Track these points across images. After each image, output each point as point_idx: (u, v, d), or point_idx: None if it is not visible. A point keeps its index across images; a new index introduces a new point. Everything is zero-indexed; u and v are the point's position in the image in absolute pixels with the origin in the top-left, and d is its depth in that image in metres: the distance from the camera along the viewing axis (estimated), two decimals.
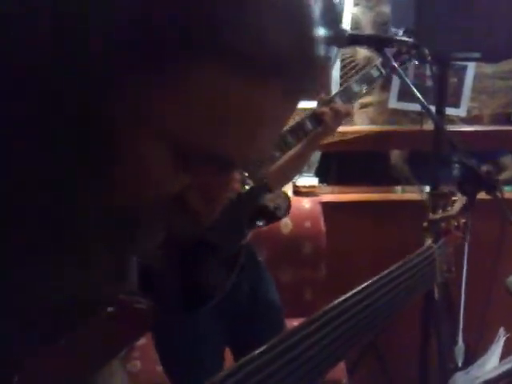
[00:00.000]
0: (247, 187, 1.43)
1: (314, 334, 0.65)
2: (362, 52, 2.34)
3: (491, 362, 0.95)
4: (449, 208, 0.97)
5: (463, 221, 0.99)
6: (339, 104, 1.47)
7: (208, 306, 1.47)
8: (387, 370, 2.33)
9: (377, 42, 1.39)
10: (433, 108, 2.13)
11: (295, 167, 1.65)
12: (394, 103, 2.39)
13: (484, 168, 1.27)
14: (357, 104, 2.40)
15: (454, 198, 0.99)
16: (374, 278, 0.73)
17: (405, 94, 2.37)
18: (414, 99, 2.28)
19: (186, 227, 0.49)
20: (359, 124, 2.41)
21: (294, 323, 2.04)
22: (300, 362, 0.63)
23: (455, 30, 1.93)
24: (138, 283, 1.42)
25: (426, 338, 2.19)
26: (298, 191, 2.30)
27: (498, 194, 1.25)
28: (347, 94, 1.50)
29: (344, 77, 2.32)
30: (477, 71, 2.42)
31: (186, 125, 0.41)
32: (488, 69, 2.45)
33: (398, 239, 2.29)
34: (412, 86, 1.37)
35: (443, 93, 2.06)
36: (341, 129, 2.37)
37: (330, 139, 2.37)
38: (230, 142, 0.43)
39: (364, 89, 1.49)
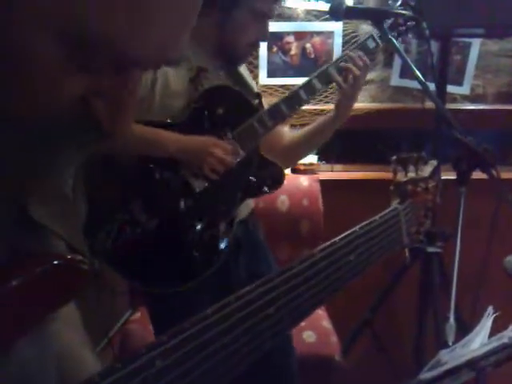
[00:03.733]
0: (239, 158, 1.41)
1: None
2: (365, 27, 2.30)
3: (477, 341, 0.94)
4: (418, 171, 0.96)
5: (433, 184, 0.98)
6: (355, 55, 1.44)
7: (199, 279, 1.46)
8: (383, 348, 2.33)
9: (374, 15, 1.36)
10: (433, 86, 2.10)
11: (320, 139, 1.62)
12: (396, 80, 2.35)
13: (481, 146, 1.25)
14: None
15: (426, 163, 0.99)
16: (337, 238, 0.73)
17: (407, 71, 2.33)
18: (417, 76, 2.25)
19: (96, 139, 0.46)
20: (360, 102, 2.37)
21: None
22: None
23: (457, 4, 1.89)
24: (128, 256, 1.41)
25: (422, 317, 2.20)
26: (296, 169, 2.28)
27: (494, 173, 1.23)
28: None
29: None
30: (481, 49, 2.38)
31: (69, 9, 0.38)
32: (493, 46, 2.40)
33: None
34: (409, 62, 1.35)
35: (445, 70, 2.03)
36: None
37: None
38: (120, 25, 0.39)
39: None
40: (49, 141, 0.45)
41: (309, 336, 1.92)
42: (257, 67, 2.23)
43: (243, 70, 1.61)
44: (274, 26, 2.21)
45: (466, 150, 1.24)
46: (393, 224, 0.84)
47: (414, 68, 1.34)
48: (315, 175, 2.27)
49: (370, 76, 2.35)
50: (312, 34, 2.23)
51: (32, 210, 0.49)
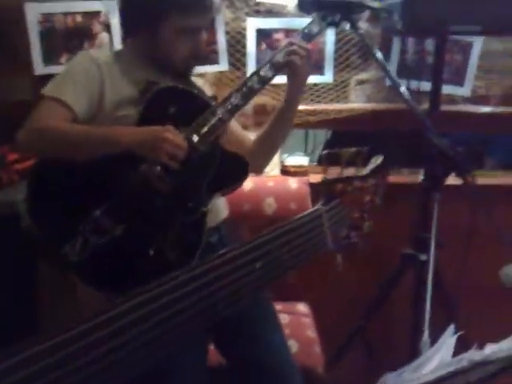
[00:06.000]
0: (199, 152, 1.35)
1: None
2: (360, 23, 2.20)
3: (431, 364, 0.85)
4: (359, 168, 0.87)
5: (372, 182, 0.88)
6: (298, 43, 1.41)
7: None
8: (375, 357, 2.24)
9: (344, 8, 1.28)
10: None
11: (278, 134, 1.57)
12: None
13: (455, 149, 1.16)
14: (353, 81, 2.28)
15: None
16: (239, 244, 0.65)
17: (404, 71, 2.23)
18: (414, 76, 2.16)
19: None
20: (355, 102, 2.29)
21: (278, 307, 1.97)
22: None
23: (453, 1, 1.79)
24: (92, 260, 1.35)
25: (416, 326, 2.09)
26: (286, 170, 2.20)
27: (469, 179, 1.14)
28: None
29: (339, 51, 2.20)
30: (485, 48, 2.26)
31: None
32: (498, 45, 2.29)
33: (388, 223, 2.18)
34: (381, 57, 1.26)
35: (440, 69, 1.92)
36: (335, 106, 2.28)
37: (324, 117, 2.28)
38: None
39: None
40: None
41: (291, 345, 1.83)
42: (245, 65, 2.16)
43: (197, 80, 1.59)
44: (262, 23, 2.14)
45: (439, 153, 1.15)
46: (313, 227, 0.76)
47: (386, 64, 1.26)
48: (305, 177, 2.18)
49: (365, 75, 2.27)
50: None
51: None
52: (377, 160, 0.87)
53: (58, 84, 1.42)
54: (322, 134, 3.13)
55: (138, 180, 1.33)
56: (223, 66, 2.12)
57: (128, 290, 1.36)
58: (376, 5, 1.29)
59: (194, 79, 1.57)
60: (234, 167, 1.43)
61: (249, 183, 2.06)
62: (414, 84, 2.10)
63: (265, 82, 1.42)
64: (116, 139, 1.30)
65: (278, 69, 1.43)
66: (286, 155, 2.25)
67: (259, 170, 1.74)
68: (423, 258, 2.01)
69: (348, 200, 0.84)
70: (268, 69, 1.41)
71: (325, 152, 0.84)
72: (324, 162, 0.84)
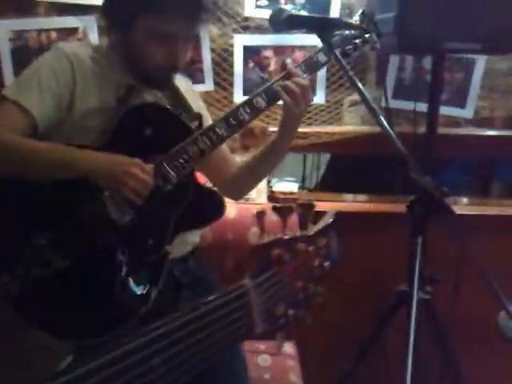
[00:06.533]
0: (171, 184, 1.22)
1: None
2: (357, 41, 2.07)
3: None
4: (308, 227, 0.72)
5: (323, 243, 0.72)
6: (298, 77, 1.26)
7: (122, 327, 1.25)
8: None
9: (318, 25, 1.15)
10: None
11: (270, 161, 1.44)
12: (388, 101, 2.11)
13: (439, 188, 1.02)
14: (346, 101, 2.14)
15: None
16: (134, 337, 0.51)
17: (401, 91, 2.10)
18: (411, 96, 2.03)
19: None
20: (349, 123, 2.15)
21: (261, 346, 1.82)
22: None
23: (451, 16, 1.66)
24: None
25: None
26: (273, 197, 2.06)
27: (453, 218, 0.99)
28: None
29: (331, 70, 2.07)
30: (488, 67, 2.12)
31: None
32: (502, 64, 2.14)
33: (381, 254, 2.03)
34: (355, 79, 1.13)
35: (437, 90, 1.78)
36: (327, 129, 2.15)
37: (315, 140, 2.14)
38: None
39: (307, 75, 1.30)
40: None
41: None
42: (231, 85, 2.03)
43: (186, 86, 1.42)
44: (250, 39, 2.01)
45: (422, 192, 1.01)
46: (234, 309, 0.61)
47: (358, 83, 1.13)
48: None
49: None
50: (293, 48, 2.02)
51: None
52: (329, 216, 0.73)
53: (21, 85, 1.27)
54: (323, 157, 2.98)
55: (95, 209, 1.21)
56: (208, 85, 2.00)
57: (67, 331, 1.25)
58: (355, 23, 1.16)
59: (178, 83, 1.38)
60: (208, 204, 1.30)
61: (233, 211, 1.92)
62: (411, 105, 1.98)
63: (257, 112, 1.27)
64: (76, 166, 1.16)
65: (272, 99, 1.28)
66: (274, 180, 2.12)
67: (238, 197, 1.63)
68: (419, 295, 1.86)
69: (289, 268, 0.68)
70: (261, 98, 1.26)
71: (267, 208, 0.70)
72: (259, 220, 0.70)
